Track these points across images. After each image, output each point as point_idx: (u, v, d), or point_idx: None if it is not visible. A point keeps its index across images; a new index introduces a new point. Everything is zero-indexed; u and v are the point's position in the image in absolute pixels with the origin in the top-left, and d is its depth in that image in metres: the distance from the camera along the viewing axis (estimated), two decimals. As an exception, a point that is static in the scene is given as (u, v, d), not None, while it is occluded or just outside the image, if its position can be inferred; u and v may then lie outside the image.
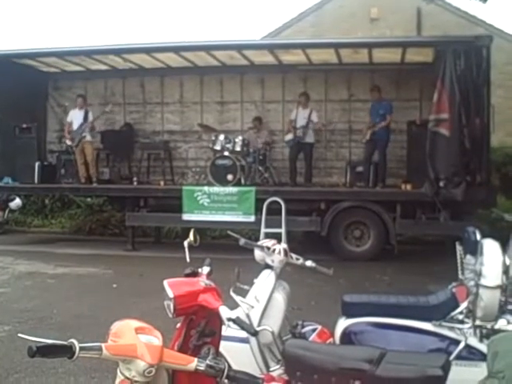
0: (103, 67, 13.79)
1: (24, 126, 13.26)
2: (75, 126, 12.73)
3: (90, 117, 12.86)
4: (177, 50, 12.57)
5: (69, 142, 12.79)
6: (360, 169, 12.13)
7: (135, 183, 12.93)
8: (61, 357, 1.93)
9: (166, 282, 2.78)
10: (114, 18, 46.47)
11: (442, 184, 10.34)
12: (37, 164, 13.07)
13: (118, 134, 14.12)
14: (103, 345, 1.99)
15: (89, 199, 15.12)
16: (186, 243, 3.43)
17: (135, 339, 2.08)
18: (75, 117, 12.83)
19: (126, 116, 14.47)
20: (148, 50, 12.60)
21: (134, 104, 14.50)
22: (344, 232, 11.25)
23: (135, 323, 2.19)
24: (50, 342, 1.91)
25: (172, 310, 2.70)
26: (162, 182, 12.96)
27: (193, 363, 2.12)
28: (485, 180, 10.49)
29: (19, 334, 2.08)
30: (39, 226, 15.44)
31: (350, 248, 11.27)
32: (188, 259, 3.29)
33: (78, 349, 1.92)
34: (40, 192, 14.28)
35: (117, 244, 12.65)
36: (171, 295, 2.69)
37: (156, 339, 2.13)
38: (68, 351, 1.92)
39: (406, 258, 10.93)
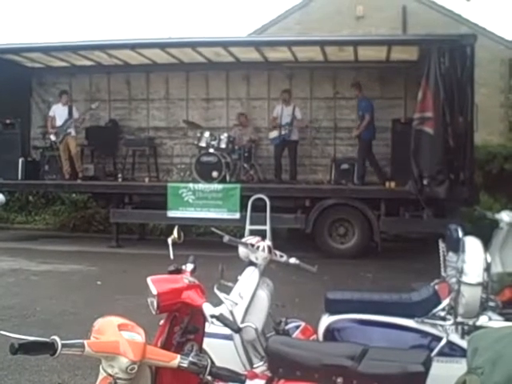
0: (88, 63, 13.69)
1: (7, 121, 13.14)
2: (59, 122, 12.67)
3: (75, 112, 12.81)
4: (162, 46, 12.53)
5: (53, 138, 12.71)
6: (345, 166, 12.19)
7: (120, 180, 12.88)
8: (43, 354, 1.93)
9: (149, 279, 2.78)
10: (99, 14, 46.15)
11: (425, 182, 10.40)
12: (20, 160, 12.96)
13: (103, 131, 14.04)
14: (85, 342, 1.99)
15: (73, 195, 15.04)
16: (169, 240, 3.44)
17: (118, 336, 2.08)
18: (58, 112, 12.76)
19: (111, 112, 14.38)
20: (133, 46, 12.52)
21: (119, 100, 14.42)
22: (328, 229, 11.29)
23: (118, 320, 2.19)
24: (31, 339, 1.90)
25: (155, 307, 2.71)
26: (146, 179, 12.93)
27: (175, 360, 2.13)
28: (468, 178, 10.55)
29: (0, 332, 2.07)
30: (23, 223, 15.32)
31: (334, 245, 11.31)
32: (172, 256, 3.29)
33: (60, 346, 1.92)
34: (24, 188, 14.15)
35: (101, 241, 12.59)
36: (155, 292, 2.70)
37: (139, 336, 2.13)
38: (50, 348, 1.91)
39: (389, 255, 11.00)
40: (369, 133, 11.99)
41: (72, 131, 12.76)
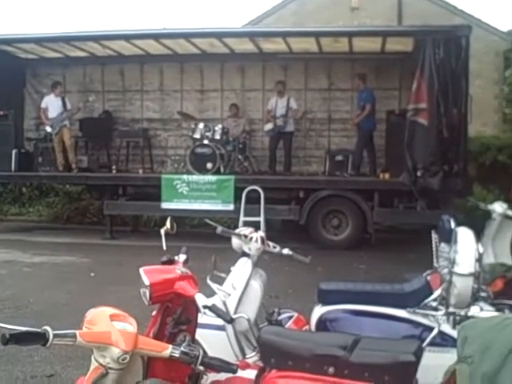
0: (82, 54, 13.64)
1: (1, 112, 13.08)
2: (53, 114, 12.60)
3: (68, 104, 12.76)
4: (157, 37, 12.48)
5: (48, 129, 12.65)
6: (339, 158, 12.21)
7: (114, 171, 12.87)
8: (35, 344, 1.93)
9: (142, 270, 2.77)
10: (93, 4, 45.94)
11: (419, 173, 10.43)
12: (14, 151, 12.90)
13: (97, 122, 14.01)
14: (77, 332, 1.99)
15: (67, 187, 15.02)
16: (162, 231, 3.43)
17: (110, 326, 2.08)
18: (51, 104, 12.68)
19: (105, 103, 14.35)
20: (127, 37, 12.47)
21: (113, 91, 14.38)
22: (322, 221, 11.31)
23: (110, 310, 2.19)
24: (23, 329, 1.90)
25: (148, 298, 2.70)
26: (140, 171, 12.91)
27: (167, 350, 2.13)
28: (462, 169, 10.59)
29: (-8, 322, 2.07)
30: (16, 215, 15.30)
31: (328, 236, 11.34)
32: (165, 247, 3.29)
33: (51, 336, 1.92)
34: (17, 180, 14.11)
35: (95, 232, 12.58)
36: (147, 282, 2.69)
37: (131, 326, 2.13)
38: (42, 338, 1.91)
39: (383, 246, 11.04)
40: (369, 123, 11.99)
41: (67, 123, 12.73)
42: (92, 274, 8.66)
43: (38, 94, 14.30)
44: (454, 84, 10.38)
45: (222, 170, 11.76)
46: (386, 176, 11.30)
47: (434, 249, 4.38)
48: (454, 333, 3.48)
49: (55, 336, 1.93)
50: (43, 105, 12.84)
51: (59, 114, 12.59)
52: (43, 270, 9.11)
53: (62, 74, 14.21)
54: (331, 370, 2.65)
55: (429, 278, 3.97)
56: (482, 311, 3.61)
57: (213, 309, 2.67)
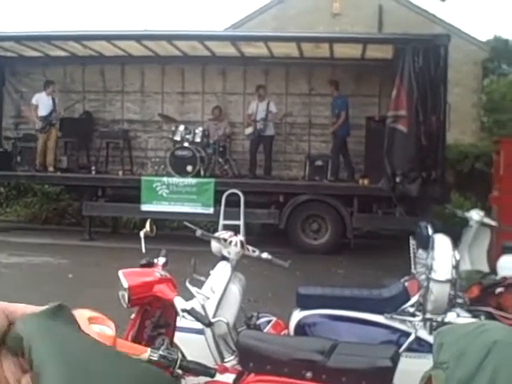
0: (62, 53, 13.51)
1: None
2: (42, 112, 12.44)
3: (57, 105, 12.65)
4: (138, 38, 12.43)
5: (38, 126, 12.47)
6: (319, 163, 12.27)
7: (93, 172, 12.77)
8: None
9: (121, 272, 2.77)
10: (74, 4, 45.66)
11: (398, 179, 10.53)
12: (-9, 151, 12.76)
13: (77, 122, 13.86)
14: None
15: (46, 187, 14.85)
16: (141, 233, 3.43)
17: (88, 329, 2.07)
18: (42, 101, 12.51)
19: (85, 104, 14.23)
20: (109, 38, 12.40)
21: (93, 92, 14.26)
22: (302, 225, 11.35)
23: (88, 313, 2.19)
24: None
25: (127, 300, 2.70)
26: (120, 172, 12.82)
27: (146, 353, 2.14)
28: (440, 177, 10.72)
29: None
30: (-7, 214, 15.11)
31: (307, 241, 11.38)
32: (144, 250, 3.28)
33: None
34: (-5, 179, 13.94)
35: (73, 233, 12.47)
36: (126, 285, 2.69)
37: (109, 329, 2.14)
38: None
39: (361, 251, 11.09)
40: (343, 130, 12.10)
41: (56, 122, 12.63)
42: (70, 276, 8.58)
43: (17, 93, 14.15)
44: (432, 92, 10.50)
45: (202, 172, 11.74)
46: (365, 182, 11.39)
47: (411, 255, 4.42)
48: (430, 338, 3.52)
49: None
50: (34, 101, 12.61)
51: (49, 113, 12.46)
52: (20, 270, 9.01)
53: (42, 73, 14.03)
54: (309, 374, 2.67)
55: (406, 283, 4.01)
56: (459, 317, 3.66)
57: (191, 312, 2.68)
